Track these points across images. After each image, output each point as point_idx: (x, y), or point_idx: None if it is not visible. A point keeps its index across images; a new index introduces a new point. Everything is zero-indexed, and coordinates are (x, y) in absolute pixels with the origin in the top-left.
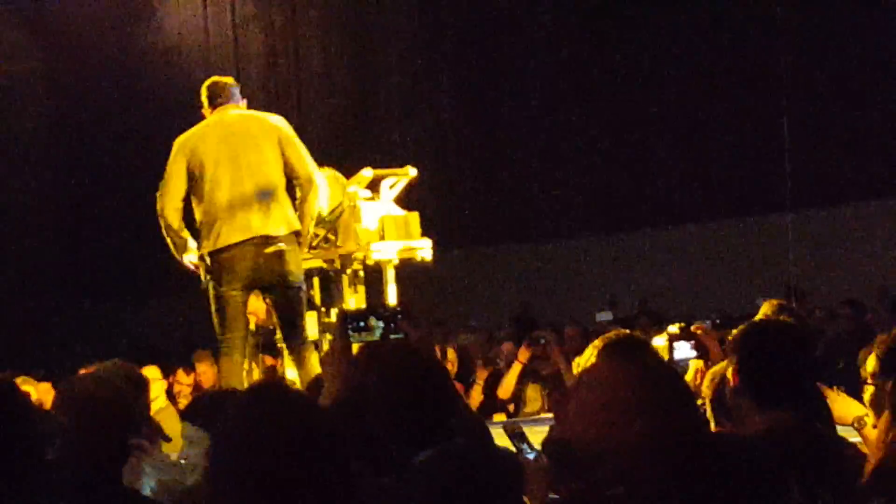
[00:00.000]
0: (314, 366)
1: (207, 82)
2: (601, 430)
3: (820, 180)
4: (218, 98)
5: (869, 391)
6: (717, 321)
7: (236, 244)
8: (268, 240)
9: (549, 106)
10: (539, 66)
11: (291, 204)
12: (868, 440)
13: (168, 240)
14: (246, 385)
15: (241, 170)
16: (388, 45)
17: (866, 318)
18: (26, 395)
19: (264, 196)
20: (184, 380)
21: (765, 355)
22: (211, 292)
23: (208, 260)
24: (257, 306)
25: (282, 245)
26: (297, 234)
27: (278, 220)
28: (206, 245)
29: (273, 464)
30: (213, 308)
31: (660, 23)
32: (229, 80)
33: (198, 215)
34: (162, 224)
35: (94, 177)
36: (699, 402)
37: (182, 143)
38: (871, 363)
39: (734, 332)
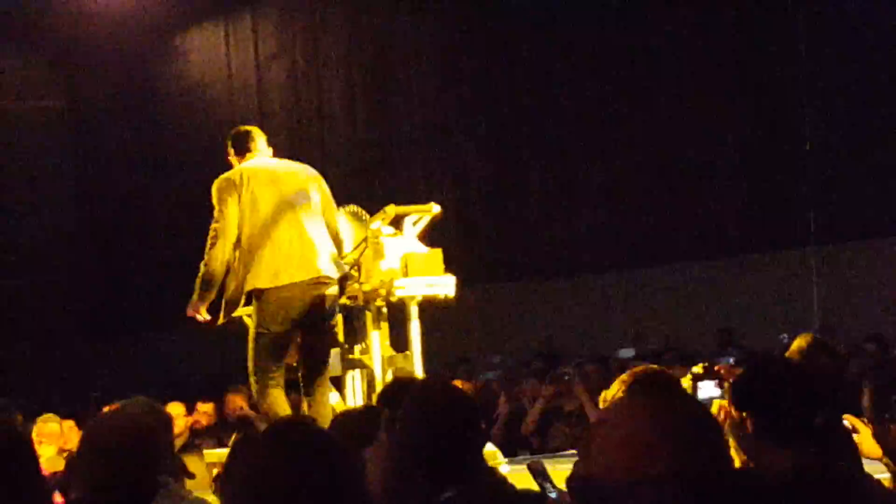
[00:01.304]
0: (327, 405)
1: (234, 131)
2: (627, 466)
3: (845, 215)
4: (246, 146)
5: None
6: (741, 358)
7: (298, 283)
8: (325, 280)
9: (572, 141)
10: (562, 101)
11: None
12: None
13: (202, 282)
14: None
15: (297, 210)
16: (411, 81)
17: (891, 353)
18: (28, 439)
19: (321, 238)
20: (202, 408)
21: (771, 396)
22: (259, 328)
23: (261, 295)
24: None
25: (332, 287)
26: (344, 278)
27: (333, 263)
28: (261, 281)
29: (295, 500)
30: (257, 343)
31: (682, 59)
32: (255, 129)
33: (249, 252)
34: (211, 268)
35: (118, 212)
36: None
37: (227, 184)
38: None
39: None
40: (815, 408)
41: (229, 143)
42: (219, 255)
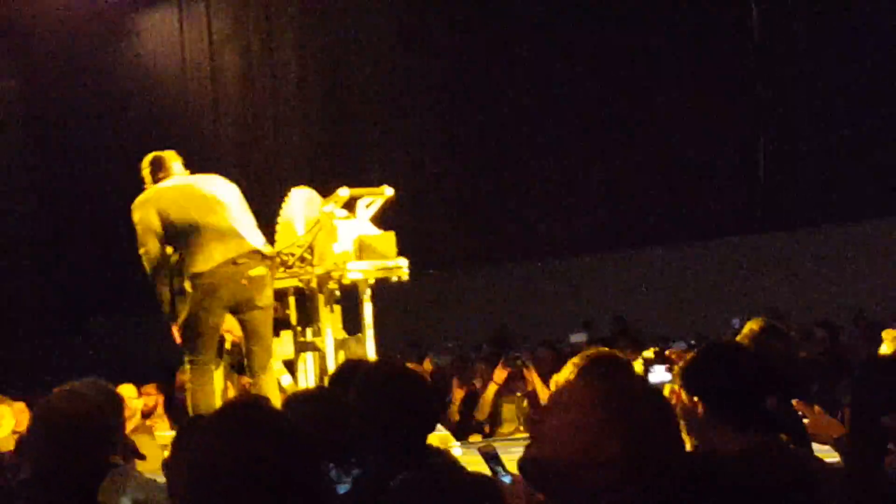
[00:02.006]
0: (273, 387)
1: (149, 157)
2: (578, 449)
3: (794, 203)
4: (161, 172)
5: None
6: (692, 342)
7: (232, 259)
8: (257, 256)
9: (524, 129)
10: (515, 89)
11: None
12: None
13: (161, 304)
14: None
15: (219, 206)
16: (365, 66)
17: (840, 339)
18: None
19: (248, 224)
20: (154, 390)
21: (723, 380)
22: (192, 313)
23: (194, 282)
24: (232, 324)
25: (262, 267)
26: (277, 263)
27: (260, 240)
28: (197, 266)
29: (247, 481)
30: (190, 328)
31: (634, 48)
32: (171, 153)
33: (179, 247)
34: (159, 289)
35: (73, 193)
36: None
37: (142, 204)
38: None
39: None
40: (766, 392)
41: (146, 170)
42: (154, 274)
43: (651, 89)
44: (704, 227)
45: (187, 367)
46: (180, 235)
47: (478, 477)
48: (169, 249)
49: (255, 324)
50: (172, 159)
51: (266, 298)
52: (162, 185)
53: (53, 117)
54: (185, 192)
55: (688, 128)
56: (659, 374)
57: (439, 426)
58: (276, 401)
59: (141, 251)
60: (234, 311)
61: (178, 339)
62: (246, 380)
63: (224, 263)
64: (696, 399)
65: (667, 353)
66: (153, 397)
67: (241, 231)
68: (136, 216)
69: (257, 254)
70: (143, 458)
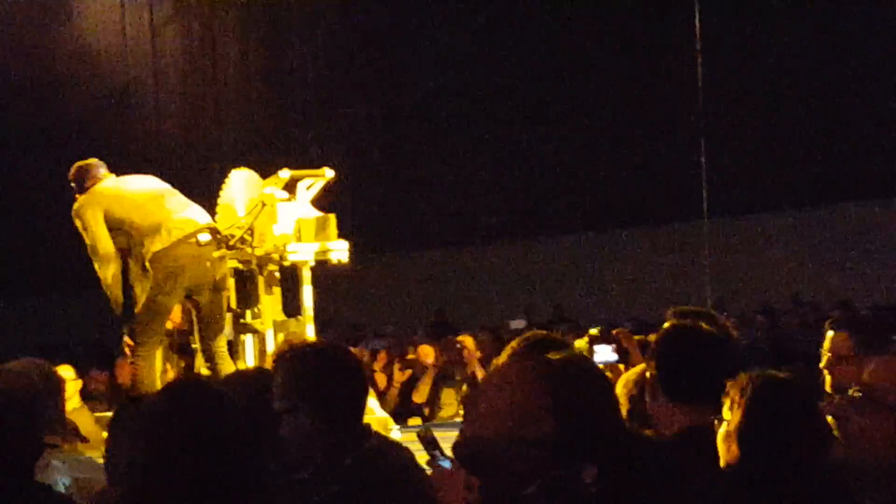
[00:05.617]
0: (227, 367)
1: (74, 167)
2: (510, 427)
3: (734, 191)
4: (89, 180)
5: None
6: (632, 328)
7: (185, 238)
8: (214, 233)
9: (464, 113)
10: (455, 72)
11: None
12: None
13: (115, 303)
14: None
15: (161, 190)
16: (305, 49)
17: (779, 325)
18: None
19: (192, 203)
20: (99, 378)
21: (682, 357)
22: (151, 297)
23: (155, 264)
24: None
25: (224, 248)
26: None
27: (210, 219)
28: (156, 245)
29: (189, 461)
30: (146, 311)
31: (575, 32)
32: (95, 160)
33: (131, 238)
34: (113, 295)
35: (6, 175)
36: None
37: (84, 205)
38: None
39: (654, 335)
40: (720, 373)
41: (72, 181)
42: (105, 276)
43: (585, 77)
44: (644, 214)
45: (132, 348)
46: (131, 226)
47: (406, 466)
48: (122, 243)
49: (212, 306)
50: (97, 166)
51: (222, 279)
52: (98, 186)
53: None
54: (124, 186)
55: (628, 114)
56: (604, 354)
57: (379, 409)
58: None
59: (89, 252)
60: (190, 293)
61: (130, 344)
62: (186, 360)
63: (184, 240)
64: (648, 374)
65: (613, 332)
66: (101, 384)
67: (191, 209)
68: (82, 222)
69: (214, 230)
70: (85, 440)
